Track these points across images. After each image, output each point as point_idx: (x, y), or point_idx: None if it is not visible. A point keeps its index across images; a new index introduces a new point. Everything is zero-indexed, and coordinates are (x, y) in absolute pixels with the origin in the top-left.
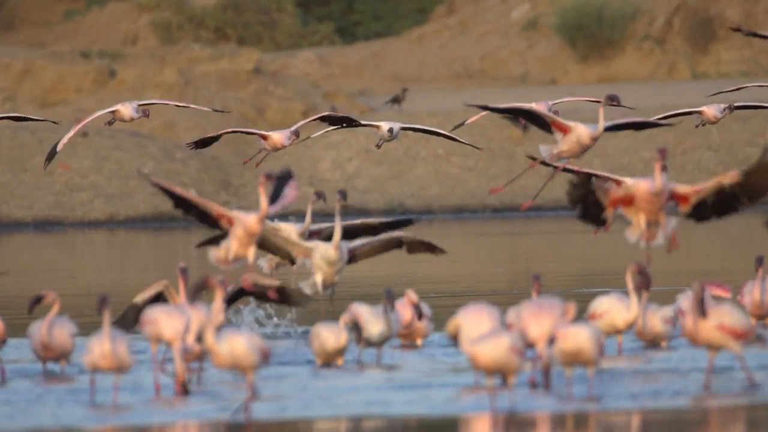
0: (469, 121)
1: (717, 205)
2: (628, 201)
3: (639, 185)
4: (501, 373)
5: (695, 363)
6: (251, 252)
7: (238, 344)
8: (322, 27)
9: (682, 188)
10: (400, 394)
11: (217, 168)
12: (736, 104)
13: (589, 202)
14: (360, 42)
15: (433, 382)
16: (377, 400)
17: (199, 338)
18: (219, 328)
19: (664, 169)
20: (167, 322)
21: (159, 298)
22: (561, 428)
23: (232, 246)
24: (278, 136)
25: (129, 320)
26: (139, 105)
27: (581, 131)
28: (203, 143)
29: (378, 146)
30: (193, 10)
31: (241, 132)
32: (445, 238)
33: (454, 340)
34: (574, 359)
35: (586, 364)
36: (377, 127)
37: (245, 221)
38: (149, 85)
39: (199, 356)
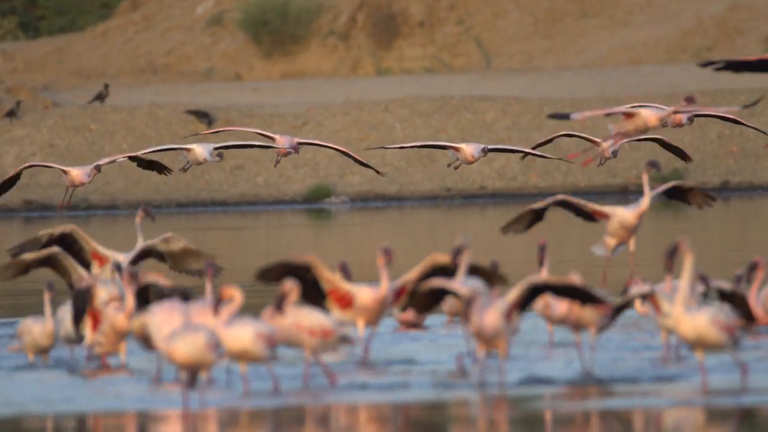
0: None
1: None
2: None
3: (362, 292)
4: (197, 368)
5: (388, 356)
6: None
7: None
8: (5, 22)
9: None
10: (89, 389)
11: None
12: (489, 147)
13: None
14: (44, 37)
15: (126, 377)
16: (69, 396)
17: None
18: None
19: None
20: None
21: None
22: (237, 424)
23: (100, 340)
24: (76, 173)
25: None
26: None
27: (647, 113)
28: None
29: (185, 169)
30: None
31: (41, 165)
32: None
33: (141, 338)
34: (243, 357)
35: (256, 361)
36: (188, 150)
37: (113, 320)
38: None
39: None
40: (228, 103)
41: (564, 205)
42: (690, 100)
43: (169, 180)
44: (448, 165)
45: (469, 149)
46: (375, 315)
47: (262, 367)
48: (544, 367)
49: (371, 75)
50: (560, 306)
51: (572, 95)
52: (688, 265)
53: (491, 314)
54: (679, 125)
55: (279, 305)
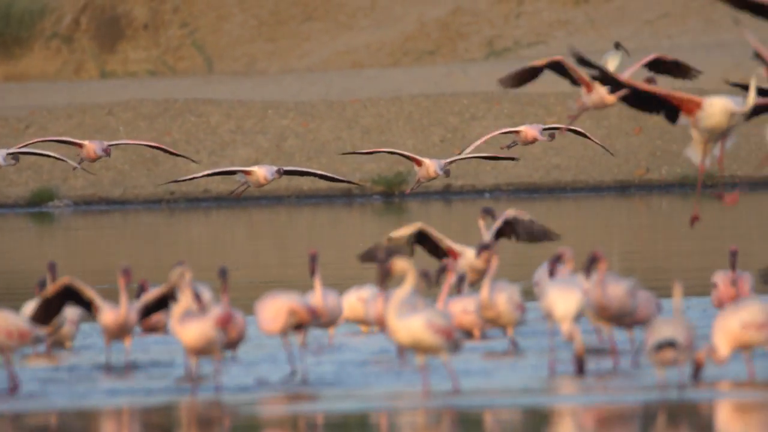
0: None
1: None
2: None
3: (103, 312)
4: None
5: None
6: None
7: None
8: None
9: None
10: None
11: None
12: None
13: None
14: None
15: None
16: None
17: None
18: None
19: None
20: None
21: None
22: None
23: None
24: None
25: None
26: None
27: (603, 90)
28: None
29: (77, 167)
30: None
31: None
32: None
33: None
34: None
35: None
36: (57, 157)
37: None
38: None
39: None
40: None
41: (420, 238)
42: (651, 80)
43: None
44: (231, 192)
45: (261, 172)
46: (117, 333)
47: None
48: (273, 371)
49: (95, 78)
50: (274, 322)
51: (296, 98)
52: (410, 274)
53: (199, 325)
54: (533, 141)
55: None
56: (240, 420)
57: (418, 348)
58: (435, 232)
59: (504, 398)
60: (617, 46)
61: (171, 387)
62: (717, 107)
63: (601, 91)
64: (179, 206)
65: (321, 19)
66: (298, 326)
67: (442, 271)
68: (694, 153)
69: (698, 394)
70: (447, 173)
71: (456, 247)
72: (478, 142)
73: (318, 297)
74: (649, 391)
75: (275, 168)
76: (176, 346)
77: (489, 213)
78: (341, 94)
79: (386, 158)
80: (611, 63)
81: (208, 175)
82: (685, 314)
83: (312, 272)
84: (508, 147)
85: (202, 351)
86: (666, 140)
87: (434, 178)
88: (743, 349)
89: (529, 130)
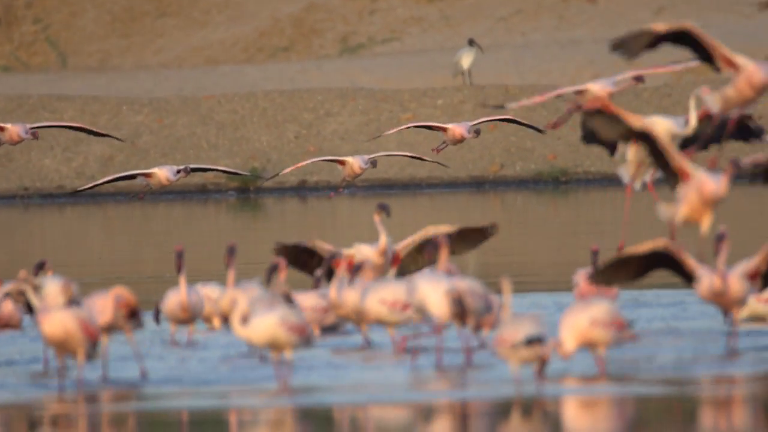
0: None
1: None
2: None
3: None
4: None
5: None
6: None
7: None
8: None
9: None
10: None
11: None
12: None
13: None
14: None
15: None
16: None
17: None
18: None
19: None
20: None
21: None
22: None
23: None
24: None
25: None
26: None
27: (596, 88)
28: None
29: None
30: None
31: None
32: None
33: None
34: None
35: None
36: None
37: None
38: None
39: None
40: None
41: (300, 252)
42: (639, 79)
43: None
44: (133, 195)
45: (163, 173)
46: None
47: None
48: (132, 367)
49: None
50: (103, 313)
51: (150, 95)
52: (240, 299)
53: (60, 316)
54: (461, 140)
55: None
56: (98, 417)
57: (272, 346)
58: (315, 247)
59: (359, 394)
60: (471, 42)
61: (32, 383)
62: (658, 128)
63: (594, 89)
64: (33, 202)
65: (175, 15)
66: (130, 317)
67: (274, 269)
68: (626, 174)
69: (550, 390)
70: (374, 164)
71: (350, 251)
72: (400, 128)
73: (183, 293)
74: (502, 387)
75: (177, 168)
76: (38, 342)
77: (384, 209)
78: (195, 90)
79: (241, 153)
80: (465, 59)
81: (110, 181)
82: (517, 310)
83: (178, 269)
84: (438, 150)
85: (62, 344)
86: (520, 137)
87: (360, 174)
88: (589, 347)
89: (456, 129)
